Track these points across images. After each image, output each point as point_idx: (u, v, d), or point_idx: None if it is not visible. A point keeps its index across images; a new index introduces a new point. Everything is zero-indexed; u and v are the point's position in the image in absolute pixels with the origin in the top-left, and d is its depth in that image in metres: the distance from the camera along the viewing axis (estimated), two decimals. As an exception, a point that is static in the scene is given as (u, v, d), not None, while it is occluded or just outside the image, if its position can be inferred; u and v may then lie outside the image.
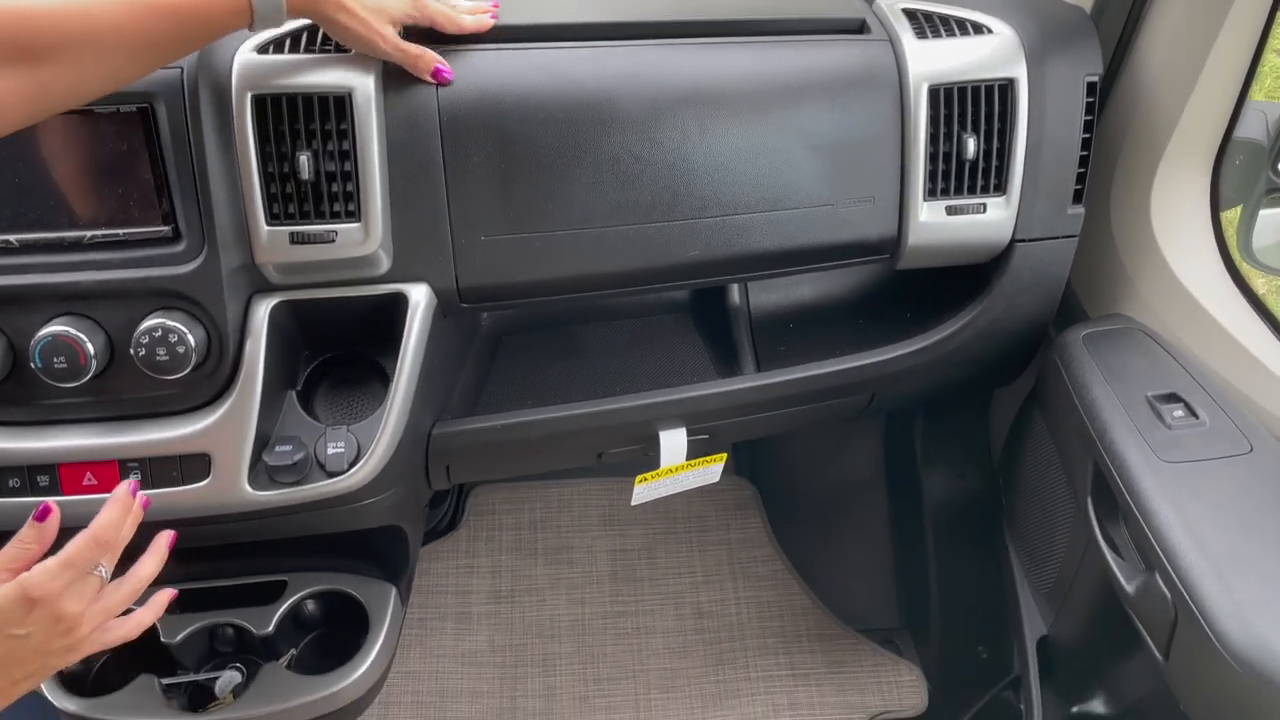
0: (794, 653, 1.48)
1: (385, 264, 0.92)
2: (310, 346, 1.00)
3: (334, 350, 1.01)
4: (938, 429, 1.45)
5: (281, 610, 1.23)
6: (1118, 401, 0.93)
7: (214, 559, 1.25)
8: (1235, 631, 0.73)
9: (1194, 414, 0.91)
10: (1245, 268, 1.06)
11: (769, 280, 1.20)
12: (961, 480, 1.46)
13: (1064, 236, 1.03)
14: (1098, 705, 1.13)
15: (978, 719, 1.39)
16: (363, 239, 0.89)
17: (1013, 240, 1.02)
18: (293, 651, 1.27)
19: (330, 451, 0.94)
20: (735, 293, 1.18)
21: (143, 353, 0.86)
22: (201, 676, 1.24)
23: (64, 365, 0.85)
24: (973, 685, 1.42)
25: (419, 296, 0.93)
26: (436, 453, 1.06)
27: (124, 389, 0.90)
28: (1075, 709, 1.14)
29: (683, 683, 1.47)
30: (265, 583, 1.25)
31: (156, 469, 0.91)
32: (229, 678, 1.24)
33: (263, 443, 0.93)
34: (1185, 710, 0.83)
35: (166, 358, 0.86)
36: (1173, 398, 0.93)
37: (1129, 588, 0.87)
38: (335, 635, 1.26)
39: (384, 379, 0.97)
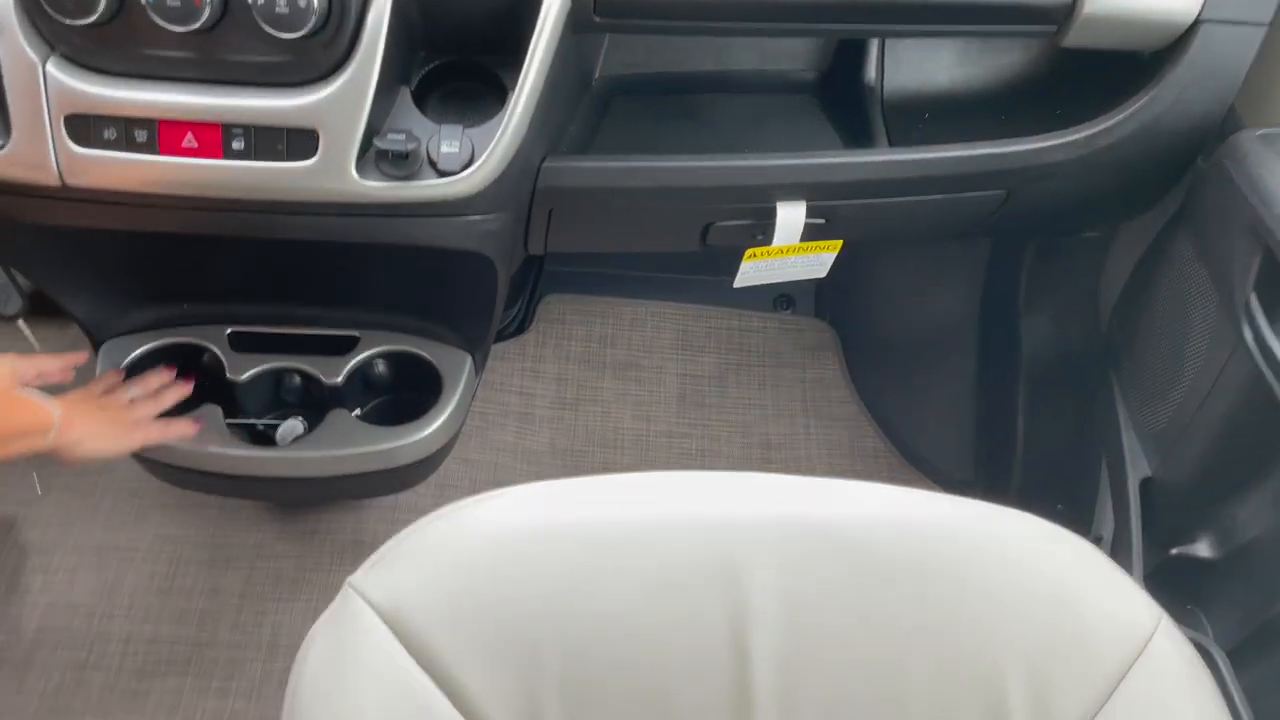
0: (863, 492, 1.42)
1: (523, -50, 0.84)
2: (429, 44, 0.93)
3: (453, 54, 0.94)
4: (1047, 270, 1.37)
5: (352, 363, 1.19)
6: (1304, 189, 0.85)
7: (287, 303, 1.20)
8: None
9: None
10: None
11: (905, 64, 1.12)
12: (1063, 334, 1.39)
13: (1254, 23, 0.94)
14: (1201, 549, 1.07)
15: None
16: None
17: (1198, 20, 0.94)
18: (359, 410, 1.23)
19: (444, 150, 0.87)
20: (871, 68, 1.10)
21: (263, 1, 0.80)
22: (263, 422, 1.20)
23: (178, 3, 0.79)
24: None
25: (553, -3, 0.86)
26: (543, 192, 0.99)
27: (235, 48, 0.83)
28: (1175, 551, 1.08)
29: (745, 507, 1.42)
30: (337, 336, 1.20)
31: (261, 139, 0.85)
32: (291, 426, 1.20)
33: (374, 131, 0.87)
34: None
35: (287, 10, 0.80)
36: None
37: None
38: (403, 405, 1.21)
39: (501, 95, 0.90)
